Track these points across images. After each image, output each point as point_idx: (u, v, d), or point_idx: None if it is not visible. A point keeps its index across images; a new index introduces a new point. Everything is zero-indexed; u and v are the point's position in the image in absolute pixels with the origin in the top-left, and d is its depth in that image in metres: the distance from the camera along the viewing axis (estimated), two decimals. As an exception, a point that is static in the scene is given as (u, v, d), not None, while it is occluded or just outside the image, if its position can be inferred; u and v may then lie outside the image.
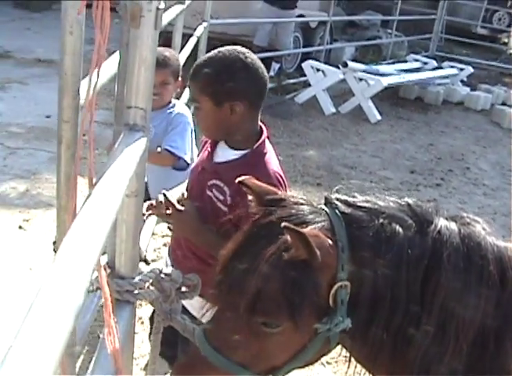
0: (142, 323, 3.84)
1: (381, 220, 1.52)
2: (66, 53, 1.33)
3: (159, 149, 3.47)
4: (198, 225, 2.29)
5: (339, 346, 1.64)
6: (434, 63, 12.37)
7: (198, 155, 2.65)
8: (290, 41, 10.54)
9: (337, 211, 1.54)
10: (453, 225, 1.57)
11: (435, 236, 1.53)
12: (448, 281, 1.50)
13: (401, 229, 1.52)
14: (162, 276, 1.76)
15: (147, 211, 2.30)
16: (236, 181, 1.63)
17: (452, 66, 12.51)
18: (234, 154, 2.34)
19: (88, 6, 1.27)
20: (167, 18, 3.79)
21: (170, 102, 3.61)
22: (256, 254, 1.47)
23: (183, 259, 2.52)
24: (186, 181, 2.61)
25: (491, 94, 11.85)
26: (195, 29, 6.75)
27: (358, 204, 1.57)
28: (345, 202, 1.57)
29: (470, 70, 12.33)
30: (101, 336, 1.52)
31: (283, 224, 1.39)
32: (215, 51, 2.31)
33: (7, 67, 9.25)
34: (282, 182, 2.28)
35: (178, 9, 4.67)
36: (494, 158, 8.92)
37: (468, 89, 11.96)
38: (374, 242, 1.50)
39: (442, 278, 1.50)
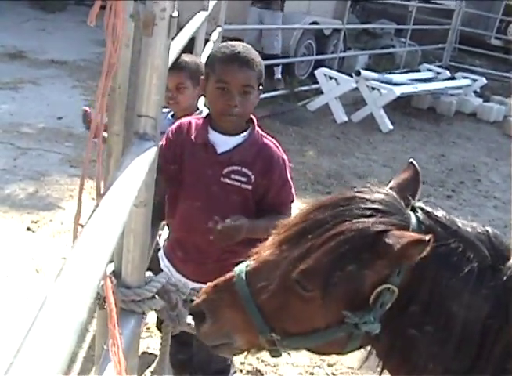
0: (148, 328, 3.82)
1: (456, 243, 1.46)
2: (120, 67, 1.31)
3: None
4: (249, 224, 2.35)
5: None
6: (448, 73, 12.30)
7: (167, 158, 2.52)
8: (279, 43, 10.01)
9: (419, 219, 1.51)
10: None
11: (510, 275, 1.44)
12: None
13: (474, 259, 1.45)
14: (169, 286, 1.74)
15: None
16: None
17: (465, 77, 12.43)
18: (237, 139, 2.47)
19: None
20: (193, 25, 3.68)
21: (197, 108, 3.40)
22: (333, 220, 1.48)
23: (185, 257, 2.63)
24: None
25: (504, 106, 11.78)
26: (210, 34, 6.76)
27: (439, 219, 1.52)
28: (427, 213, 1.54)
29: (483, 81, 12.25)
30: (105, 347, 1.49)
31: (390, 232, 1.40)
32: (230, 43, 2.43)
33: (20, 67, 9.27)
34: (281, 148, 2.56)
35: (202, 15, 4.60)
36: (506, 171, 8.83)
37: (481, 100, 11.90)
38: (441, 262, 1.45)
39: (509, 324, 1.41)
